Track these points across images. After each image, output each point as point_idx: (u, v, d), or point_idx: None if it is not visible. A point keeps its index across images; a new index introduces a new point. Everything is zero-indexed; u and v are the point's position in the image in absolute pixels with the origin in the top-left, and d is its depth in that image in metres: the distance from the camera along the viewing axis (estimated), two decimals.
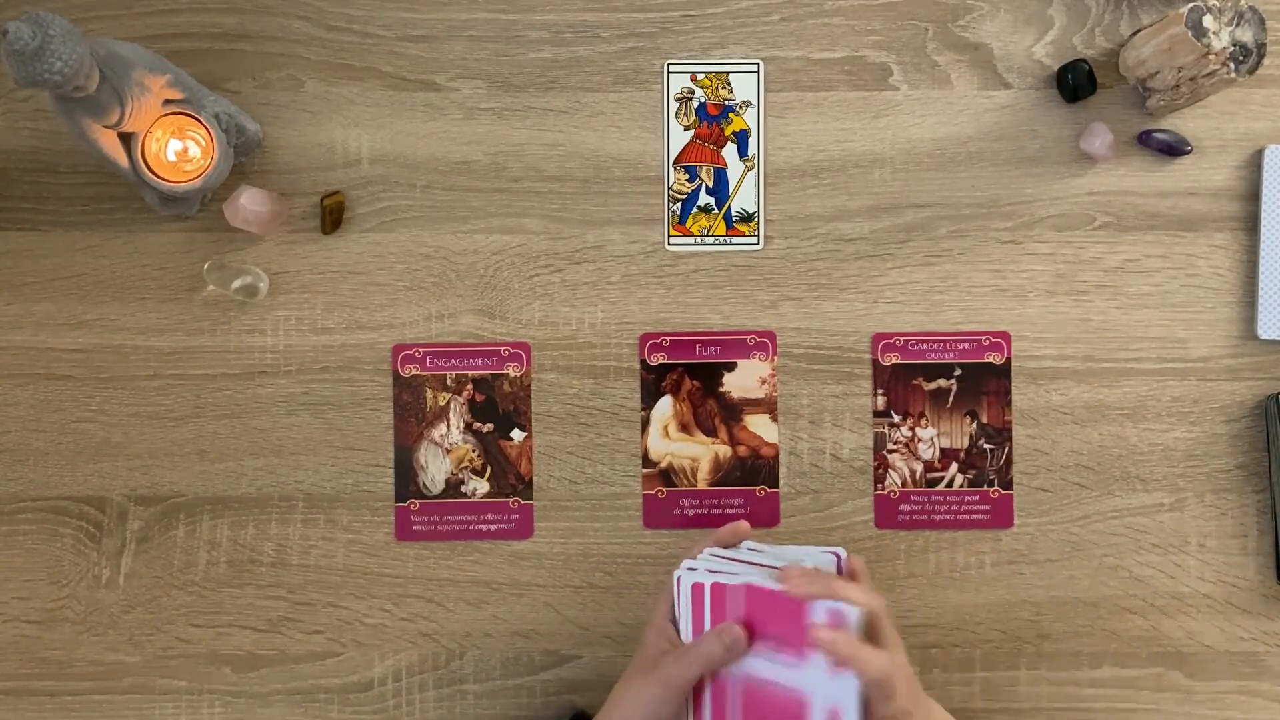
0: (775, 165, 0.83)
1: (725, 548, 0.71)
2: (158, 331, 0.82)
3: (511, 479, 0.82)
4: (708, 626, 0.65)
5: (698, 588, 0.65)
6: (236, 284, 0.81)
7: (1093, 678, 0.81)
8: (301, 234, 0.82)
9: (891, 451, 0.82)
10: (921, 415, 0.82)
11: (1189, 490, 0.81)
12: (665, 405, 0.82)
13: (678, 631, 0.66)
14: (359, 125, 0.83)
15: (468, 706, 0.81)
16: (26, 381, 0.82)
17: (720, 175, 0.83)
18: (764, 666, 0.63)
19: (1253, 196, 0.82)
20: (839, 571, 0.68)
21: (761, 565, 0.68)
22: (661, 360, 0.82)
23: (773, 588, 0.63)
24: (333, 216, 0.82)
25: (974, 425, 0.82)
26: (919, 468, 0.82)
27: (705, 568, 0.67)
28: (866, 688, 0.60)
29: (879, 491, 0.82)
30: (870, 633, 0.62)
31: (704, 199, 0.83)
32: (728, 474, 0.82)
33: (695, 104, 0.83)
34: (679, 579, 0.66)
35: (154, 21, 0.82)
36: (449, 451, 0.82)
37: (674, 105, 0.83)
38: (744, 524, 0.71)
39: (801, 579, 0.62)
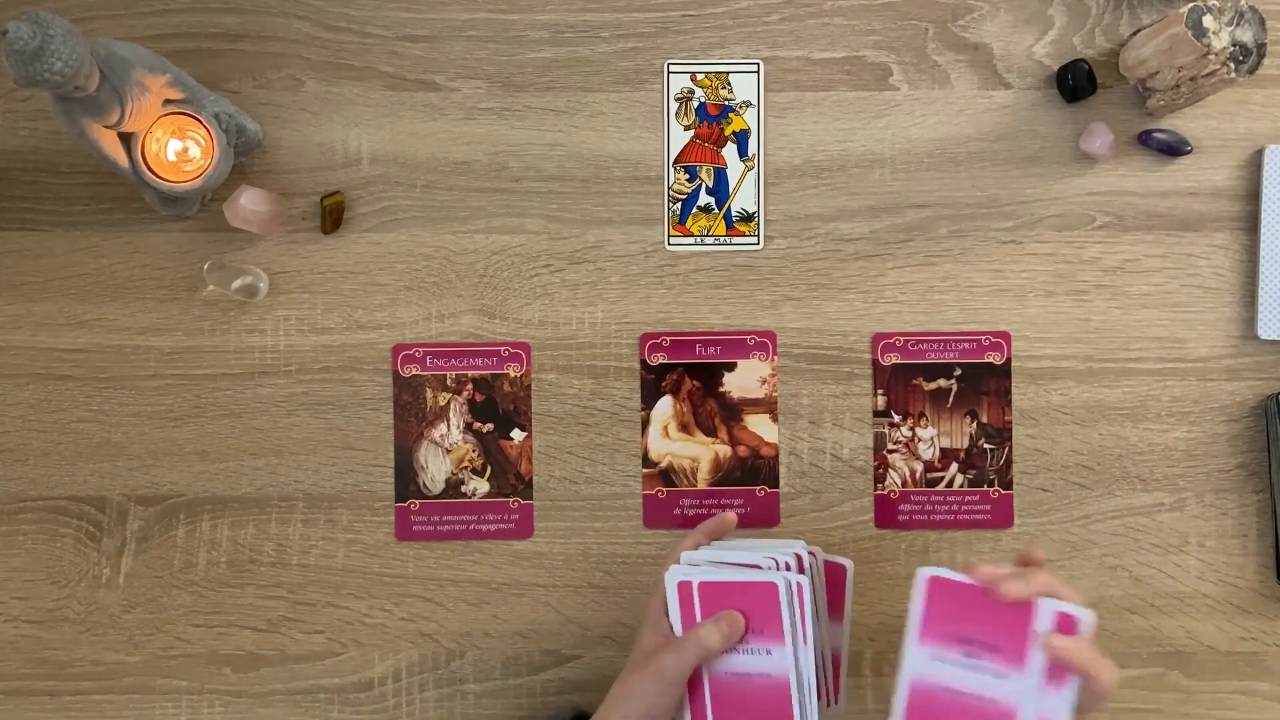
0: (775, 165, 0.83)
1: (712, 539, 0.70)
2: (158, 331, 0.82)
3: (511, 479, 0.82)
4: (678, 626, 0.64)
5: (692, 586, 0.65)
6: (236, 284, 0.81)
7: None
8: (301, 234, 0.82)
9: (891, 451, 0.82)
10: (921, 415, 0.82)
11: (1189, 490, 0.81)
12: (665, 405, 0.82)
13: (672, 629, 0.66)
14: (359, 125, 0.83)
15: (468, 706, 0.81)
16: (26, 381, 0.82)
17: (720, 175, 0.83)
18: (944, 670, 0.58)
19: (1253, 196, 0.82)
20: (801, 568, 0.65)
21: (741, 564, 0.66)
22: (661, 360, 0.82)
23: (964, 580, 0.58)
24: (333, 216, 0.82)
25: (974, 425, 0.82)
26: (919, 468, 0.82)
27: (705, 561, 0.66)
28: (1089, 698, 0.56)
29: (879, 491, 0.82)
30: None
31: (704, 199, 0.83)
32: (728, 474, 0.82)
33: (695, 104, 0.83)
34: (677, 586, 0.65)
35: (154, 21, 0.82)
36: (449, 451, 0.82)
37: (674, 105, 0.83)
38: (730, 515, 0.71)
39: (1014, 579, 0.57)
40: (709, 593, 0.64)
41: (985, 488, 0.82)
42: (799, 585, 0.63)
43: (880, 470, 0.82)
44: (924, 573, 0.60)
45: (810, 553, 0.68)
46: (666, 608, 0.66)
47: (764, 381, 0.82)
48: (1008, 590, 0.57)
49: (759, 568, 0.66)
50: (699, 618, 0.65)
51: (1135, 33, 0.80)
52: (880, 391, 0.82)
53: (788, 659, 0.62)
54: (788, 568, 0.65)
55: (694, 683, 0.64)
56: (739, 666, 0.63)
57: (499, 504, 0.82)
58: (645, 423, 0.82)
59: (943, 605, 0.59)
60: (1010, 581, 0.57)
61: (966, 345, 0.82)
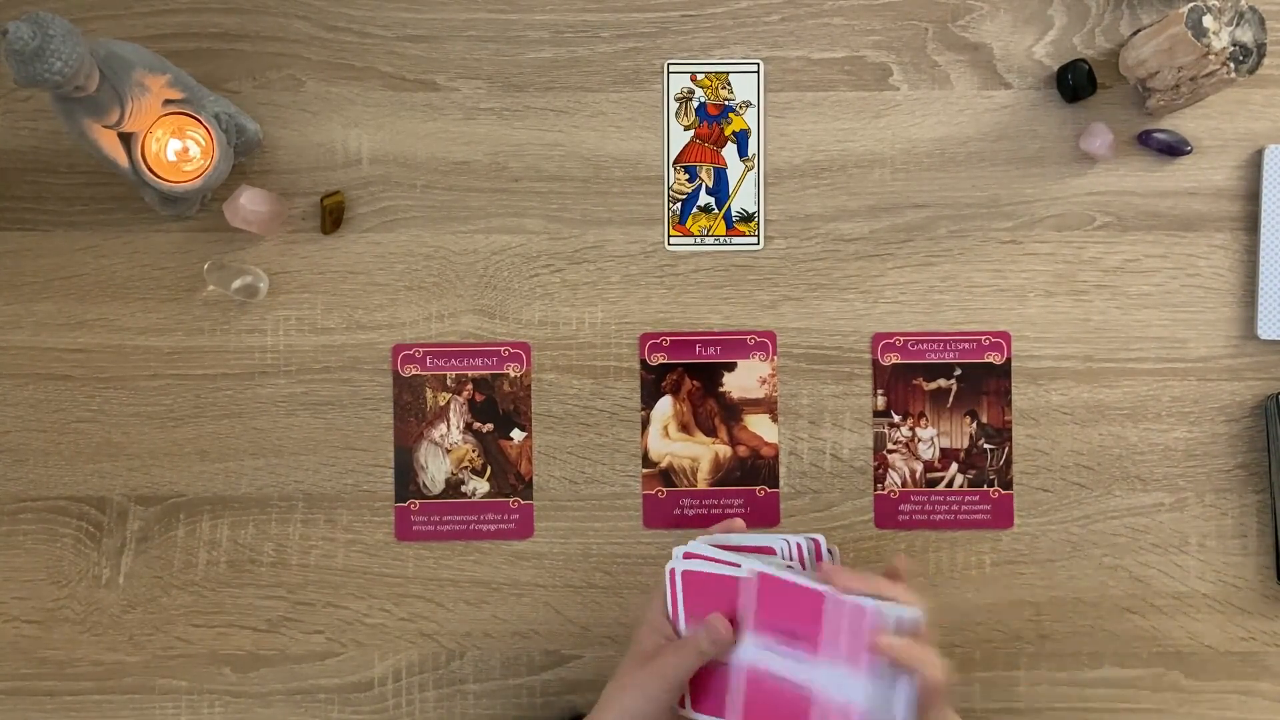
0: (775, 165, 0.83)
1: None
2: (158, 331, 0.82)
3: (511, 479, 0.82)
4: (681, 616, 0.65)
5: (694, 576, 0.65)
6: (236, 284, 0.81)
7: (1093, 678, 0.81)
8: (301, 234, 0.82)
9: (891, 451, 0.82)
10: (921, 415, 0.82)
11: (1189, 490, 0.81)
12: (665, 405, 0.82)
13: (674, 628, 0.66)
14: (359, 125, 0.83)
15: (468, 706, 0.81)
16: (26, 381, 0.82)
17: (720, 175, 0.83)
18: (774, 660, 0.63)
19: (1253, 196, 0.82)
20: (818, 557, 0.67)
21: (748, 550, 0.67)
22: (661, 360, 0.82)
23: (801, 582, 0.62)
24: (333, 216, 0.82)
25: (974, 425, 0.82)
26: (919, 468, 0.82)
27: (700, 554, 0.67)
28: (921, 693, 0.59)
29: (879, 491, 0.82)
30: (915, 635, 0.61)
31: (704, 199, 0.83)
32: (728, 474, 0.82)
33: (695, 104, 0.83)
34: (672, 570, 0.66)
35: (154, 21, 0.82)
36: (449, 451, 0.82)
37: (674, 105, 0.83)
38: (739, 521, 0.71)
39: (849, 577, 0.62)
40: (759, 587, 0.65)
41: (985, 488, 0.82)
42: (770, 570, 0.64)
43: (880, 470, 0.82)
44: (755, 570, 0.64)
45: (829, 550, 0.68)
46: (666, 608, 0.67)
47: (764, 381, 0.82)
48: (840, 586, 0.61)
49: (773, 551, 0.66)
50: (679, 609, 0.66)
51: (1135, 33, 0.80)
52: (880, 391, 0.82)
53: (827, 677, 0.62)
54: (800, 548, 0.67)
55: (714, 674, 0.65)
56: (767, 664, 0.64)
57: (499, 504, 0.82)
58: (645, 423, 0.82)
59: (775, 600, 0.63)
60: (843, 578, 0.62)
61: (966, 345, 0.82)
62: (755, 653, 0.63)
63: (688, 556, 0.67)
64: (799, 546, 0.67)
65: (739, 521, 0.71)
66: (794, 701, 0.62)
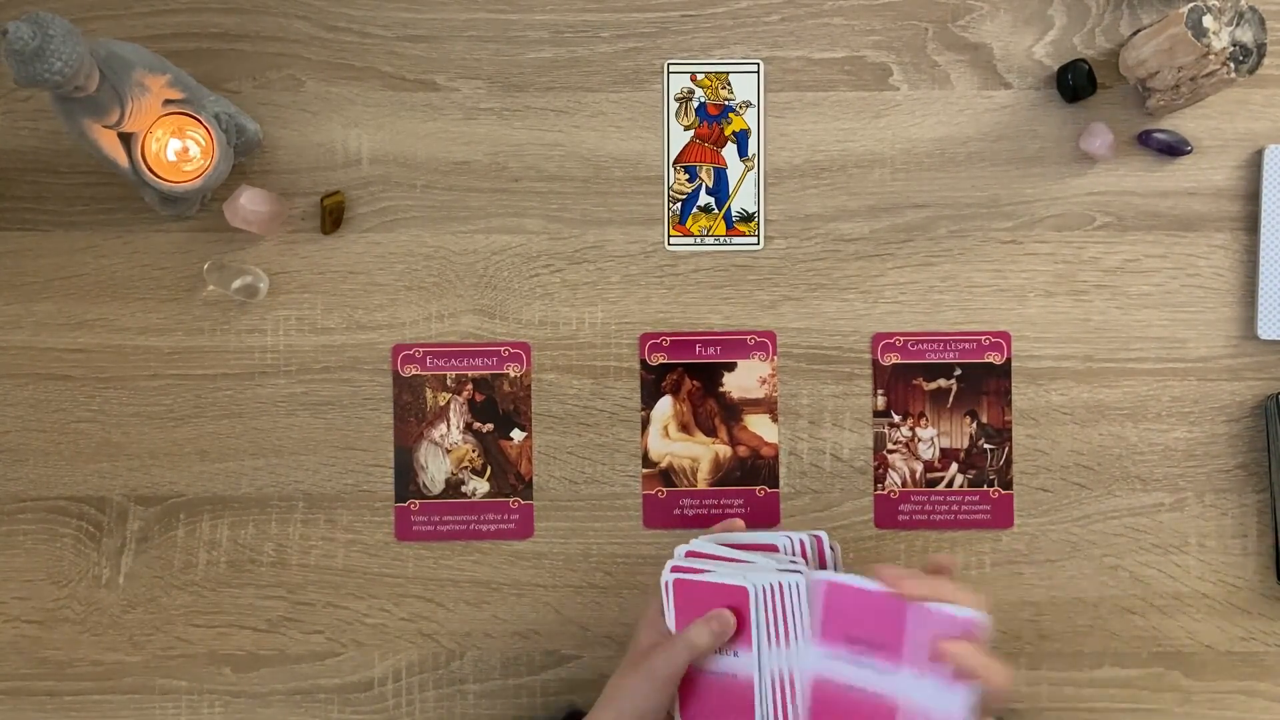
0: (775, 165, 0.83)
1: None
2: (158, 331, 0.82)
3: (511, 479, 0.82)
4: (672, 623, 0.65)
5: (687, 585, 0.65)
6: (236, 284, 0.81)
7: (1093, 678, 0.81)
8: (301, 234, 0.82)
9: (891, 451, 0.82)
10: (921, 415, 0.82)
11: (1189, 490, 0.81)
12: (665, 405, 0.82)
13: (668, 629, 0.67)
14: (359, 125, 0.83)
15: (468, 706, 0.81)
16: (26, 381, 0.82)
17: (720, 175, 0.83)
18: (845, 669, 0.62)
19: (1253, 196, 0.82)
20: (820, 554, 0.67)
21: (751, 548, 0.67)
22: (661, 360, 0.82)
23: (875, 588, 0.61)
24: (333, 216, 0.82)
25: (974, 425, 0.82)
26: (919, 468, 0.82)
27: (704, 553, 0.67)
28: (985, 700, 0.59)
29: (879, 491, 0.82)
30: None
31: (704, 199, 0.83)
32: (728, 474, 0.82)
33: (695, 104, 0.83)
34: (666, 583, 0.66)
35: (154, 21, 0.82)
36: (449, 451, 0.82)
37: (674, 105, 0.83)
38: (738, 522, 0.71)
39: (911, 580, 0.60)
40: (682, 591, 0.65)
41: (985, 488, 0.82)
42: (777, 587, 0.63)
43: (880, 470, 0.82)
44: (820, 579, 0.63)
45: (831, 546, 0.68)
46: (664, 607, 0.67)
47: (764, 381, 0.82)
48: (903, 591, 0.60)
49: (775, 548, 0.66)
50: (670, 616, 0.65)
51: (1135, 33, 0.80)
52: (880, 391, 0.82)
53: (754, 664, 0.62)
54: (803, 545, 0.66)
55: (687, 679, 0.65)
56: (717, 666, 0.64)
57: (499, 504, 0.82)
58: (645, 423, 0.82)
59: (838, 607, 0.62)
60: (905, 582, 0.60)
61: (966, 345, 0.82)
62: (822, 662, 0.62)
63: (690, 555, 0.67)
64: (802, 543, 0.67)
65: (739, 522, 0.71)
66: (872, 711, 0.60)
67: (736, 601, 0.63)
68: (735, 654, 0.63)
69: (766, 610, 0.63)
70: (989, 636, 0.60)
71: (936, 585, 0.61)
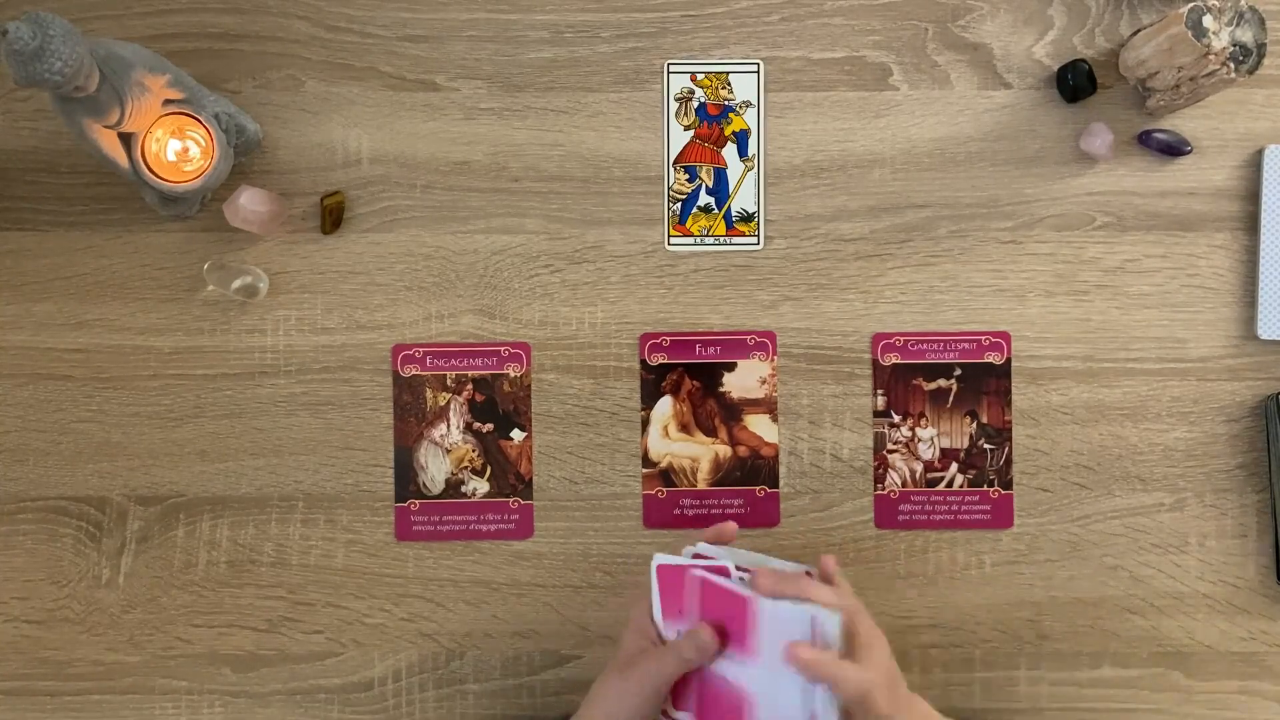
0: (775, 165, 0.83)
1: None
2: (158, 331, 0.82)
3: (511, 479, 0.82)
4: (658, 609, 0.66)
5: (666, 570, 0.66)
6: (236, 284, 0.81)
7: (1093, 678, 0.81)
8: (301, 234, 0.82)
9: (891, 451, 0.82)
10: (921, 415, 0.82)
11: (1189, 490, 0.81)
12: (665, 405, 0.82)
13: (658, 630, 0.66)
14: (359, 125, 0.83)
15: (468, 706, 0.81)
16: (26, 381, 0.82)
17: (720, 175, 0.83)
18: (720, 661, 0.63)
19: (1253, 196, 0.82)
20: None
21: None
22: (661, 360, 0.82)
23: (732, 588, 0.63)
24: (333, 216, 0.82)
25: (974, 425, 0.82)
26: (919, 468, 0.82)
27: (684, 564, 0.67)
28: (846, 703, 0.60)
29: (879, 491, 0.82)
30: (848, 635, 0.61)
31: (704, 199, 0.83)
32: (728, 474, 0.82)
33: (695, 104, 0.83)
34: (657, 569, 0.66)
35: (154, 21, 0.82)
36: (449, 451, 0.82)
37: (674, 105, 0.83)
38: (731, 524, 0.71)
39: (771, 579, 0.62)
40: (701, 589, 0.65)
41: (985, 488, 0.82)
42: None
43: (880, 470, 0.82)
44: (699, 575, 0.65)
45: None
46: (650, 611, 0.67)
47: (764, 381, 0.82)
48: (761, 589, 0.62)
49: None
50: (674, 608, 0.66)
51: (1135, 33, 0.80)
52: (880, 391, 0.82)
53: (762, 679, 0.63)
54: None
55: (686, 678, 0.65)
56: (722, 670, 0.64)
57: (499, 504, 0.82)
58: (645, 423, 0.82)
59: (715, 603, 0.64)
60: (764, 581, 0.62)
61: (966, 345, 0.82)
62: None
63: (698, 557, 0.67)
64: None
65: (731, 525, 0.71)
66: (734, 703, 0.62)
67: (737, 608, 0.63)
68: (743, 663, 0.63)
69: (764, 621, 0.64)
70: (838, 636, 0.61)
71: (800, 585, 0.62)
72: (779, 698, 0.61)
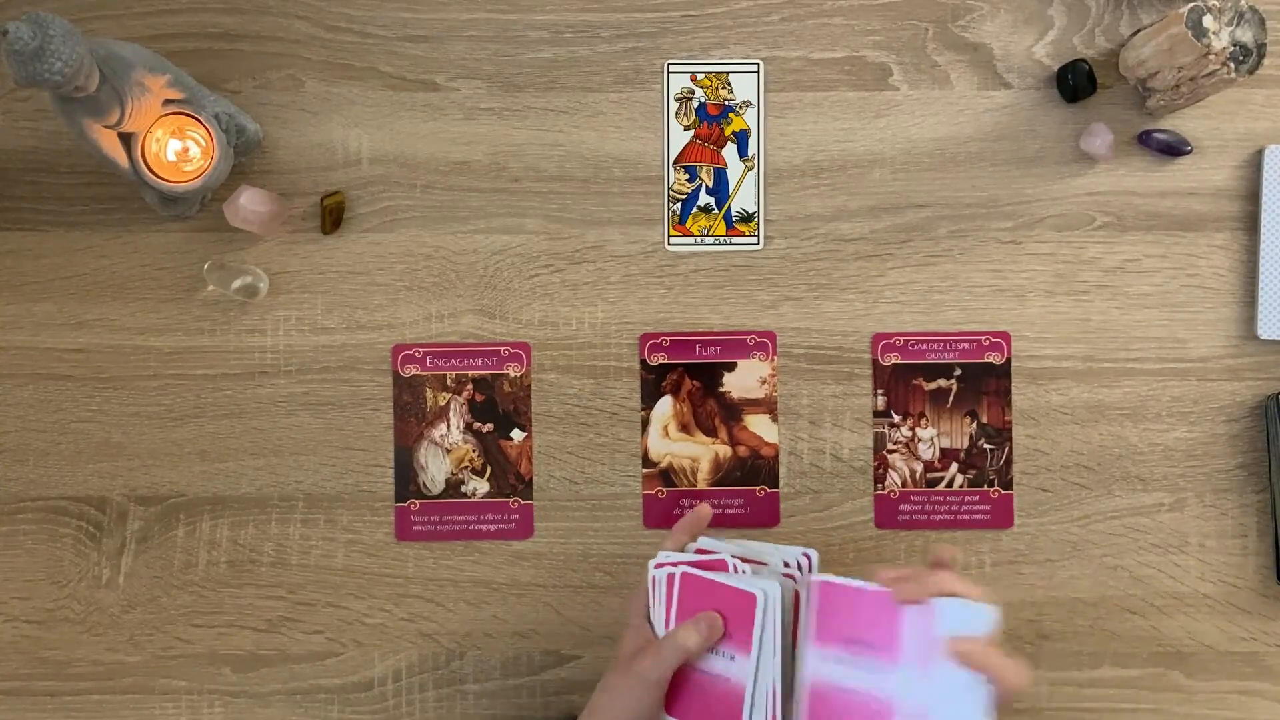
0: (775, 165, 0.83)
1: (693, 535, 0.70)
2: (158, 331, 0.82)
3: (511, 479, 0.82)
4: (658, 611, 0.65)
5: (689, 579, 0.65)
6: (236, 284, 0.81)
7: (1092, 678, 0.81)
8: (301, 234, 0.82)
9: (891, 451, 0.82)
10: (921, 415, 0.82)
11: (1189, 490, 0.81)
12: (665, 405, 0.82)
13: (653, 630, 0.67)
14: (359, 125, 0.83)
15: (468, 706, 0.81)
16: (26, 381, 0.82)
17: (720, 175, 0.83)
18: (842, 671, 0.61)
19: (1253, 196, 0.82)
20: (810, 571, 0.67)
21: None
22: (661, 360, 0.82)
23: (869, 587, 0.61)
24: (333, 216, 0.82)
25: (974, 425, 0.82)
26: (919, 468, 0.82)
27: (688, 561, 0.67)
28: (1002, 696, 0.57)
29: (879, 491, 0.82)
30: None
31: (704, 199, 0.83)
32: (728, 474, 0.82)
33: (695, 104, 0.83)
34: (665, 576, 0.66)
35: (154, 21, 0.82)
36: (449, 451, 0.82)
37: (674, 105, 0.83)
38: (705, 508, 0.71)
39: (909, 587, 0.59)
40: (689, 586, 0.65)
41: (985, 488, 0.82)
42: (781, 595, 0.63)
43: (880, 470, 0.82)
44: (816, 580, 0.63)
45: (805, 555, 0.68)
46: (648, 611, 0.67)
47: (764, 381, 0.82)
48: (899, 594, 0.59)
49: (765, 564, 0.66)
50: (673, 610, 0.65)
51: (1135, 33, 0.80)
52: (880, 391, 0.82)
53: (749, 670, 0.62)
54: (799, 567, 0.66)
55: (677, 676, 0.65)
56: (708, 667, 0.64)
57: (499, 504, 0.82)
58: (645, 423, 0.82)
59: (834, 609, 0.62)
60: (902, 585, 0.60)
61: (966, 345, 0.82)
62: (819, 665, 0.62)
63: (699, 552, 0.67)
64: (799, 562, 0.67)
65: (705, 508, 0.71)
66: (870, 712, 0.59)
67: (741, 605, 0.63)
68: (732, 658, 0.63)
69: (769, 616, 0.63)
70: (998, 630, 0.59)
71: (939, 581, 0.59)
72: (931, 703, 0.58)
